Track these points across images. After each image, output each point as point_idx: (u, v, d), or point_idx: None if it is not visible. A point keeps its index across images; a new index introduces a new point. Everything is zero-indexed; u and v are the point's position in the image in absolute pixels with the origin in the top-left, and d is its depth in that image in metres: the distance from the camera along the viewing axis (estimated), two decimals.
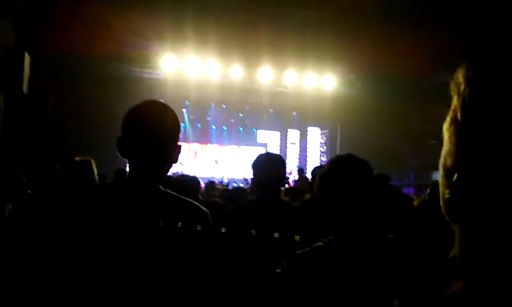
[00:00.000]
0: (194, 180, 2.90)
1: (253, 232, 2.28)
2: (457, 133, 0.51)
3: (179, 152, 1.36)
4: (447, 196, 0.52)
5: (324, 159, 14.46)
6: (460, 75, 0.52)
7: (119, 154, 1.33)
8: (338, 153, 11.70)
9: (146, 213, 1.27)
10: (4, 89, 7.61)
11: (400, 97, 11.38)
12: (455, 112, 0.52)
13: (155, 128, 1.29)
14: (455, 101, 0.52)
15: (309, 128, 15.11)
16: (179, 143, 1.36)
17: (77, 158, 2.73)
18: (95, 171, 2.73)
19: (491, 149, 0.46)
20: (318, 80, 12.74)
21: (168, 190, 1.37)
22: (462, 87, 0.51)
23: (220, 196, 4.57)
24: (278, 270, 1.37)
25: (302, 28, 10.06)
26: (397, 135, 11.99)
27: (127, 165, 1.42)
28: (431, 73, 10.22)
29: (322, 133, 15.00)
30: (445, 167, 0.53)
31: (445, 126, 0.53)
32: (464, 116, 0.50)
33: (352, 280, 1.24)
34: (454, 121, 0.51)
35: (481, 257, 0.49)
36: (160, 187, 1.36)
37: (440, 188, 0.55)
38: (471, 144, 0.48)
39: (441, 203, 0.55)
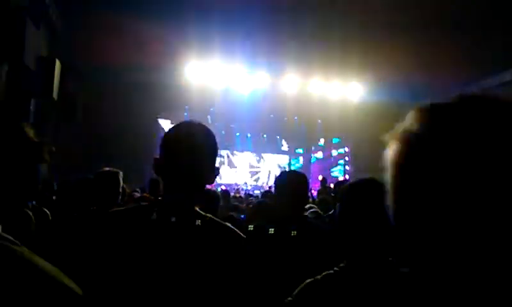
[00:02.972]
0: (215, 194, 2.91)
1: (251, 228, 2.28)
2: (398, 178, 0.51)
3: (216, 174, 1.36)
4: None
5: (348, 168, 14.30)
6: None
7: (150, 167, 1.32)
8: (361, 163, 11.56)
9: (182, 237, 1.27)
10: (36, 95, 7.86)
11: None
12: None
13: (193, 150, 1.28)
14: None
15: (333, 137, 14.99)
16: (217, 165, 1.37)
17: (105, 169, 2.75)
18: (121, 182, 2.75)
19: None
20: (343, 89, 12.61)
21: (204, 213, 1.35)
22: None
23: (247, 208, 4.55)
24: (289, 299, 1.35)
25: (326, 35, 9.97)
26: None
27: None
28: (462, 83, 9.95)
29: (346, 143, 14.84)
30: None
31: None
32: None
33: None
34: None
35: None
36: (197, 208, 1.34)
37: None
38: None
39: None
